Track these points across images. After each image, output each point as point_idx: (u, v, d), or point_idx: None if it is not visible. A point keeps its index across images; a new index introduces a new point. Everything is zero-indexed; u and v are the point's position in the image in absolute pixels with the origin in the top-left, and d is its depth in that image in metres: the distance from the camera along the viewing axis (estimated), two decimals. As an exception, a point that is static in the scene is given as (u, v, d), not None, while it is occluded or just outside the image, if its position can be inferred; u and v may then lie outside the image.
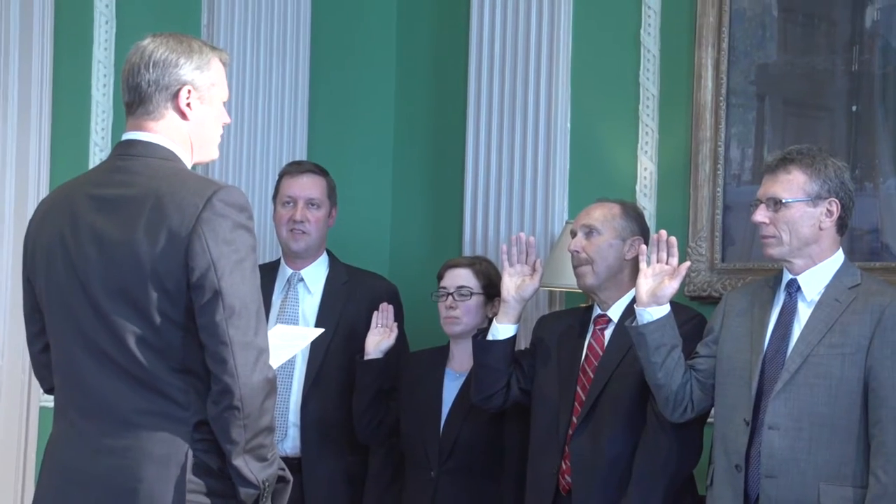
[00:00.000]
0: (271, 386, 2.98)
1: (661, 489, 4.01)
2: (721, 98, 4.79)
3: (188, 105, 3.08)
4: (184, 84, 3.08)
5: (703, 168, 4.80)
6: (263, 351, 2.97)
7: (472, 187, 5.28)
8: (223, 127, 3.20)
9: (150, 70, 3.05)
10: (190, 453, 2.94)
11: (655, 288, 3.89)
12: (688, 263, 3.95)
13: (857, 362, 3.65)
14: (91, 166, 5.09)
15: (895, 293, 3.73)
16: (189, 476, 2.93)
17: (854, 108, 4.53)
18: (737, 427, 3.76)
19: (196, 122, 3.12)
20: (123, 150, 3.09)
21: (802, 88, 4.68)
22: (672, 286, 3.88)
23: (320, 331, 4.04)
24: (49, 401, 5.01)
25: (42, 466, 3.12)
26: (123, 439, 2.94)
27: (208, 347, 2.93)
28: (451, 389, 4.59)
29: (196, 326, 2.94)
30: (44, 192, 4.93)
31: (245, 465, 2.95)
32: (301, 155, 5.56)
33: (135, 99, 3.07)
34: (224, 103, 3.18)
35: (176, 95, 3.07)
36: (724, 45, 4.78)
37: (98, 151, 5.13)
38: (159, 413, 2.94)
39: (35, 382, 4.83)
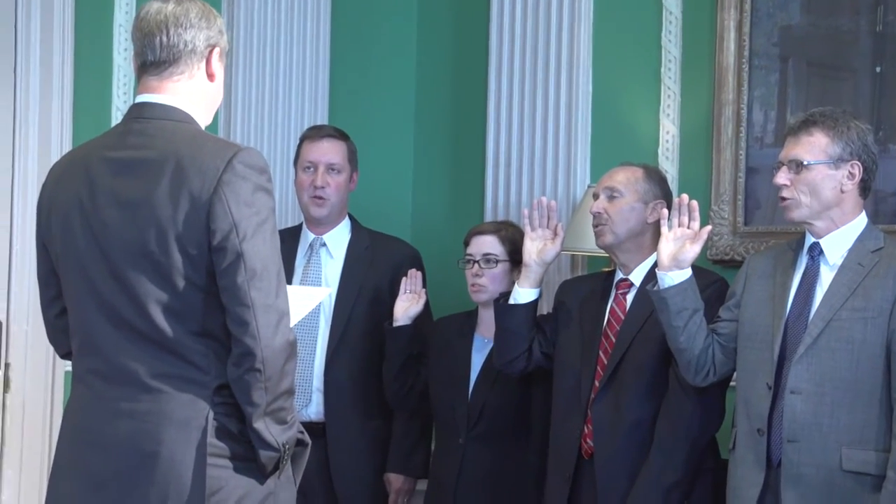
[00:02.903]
0: (292, 349, 3.00)
1: (684, 453, 4.03)
2: (744, 60, 4.78)
3: (216, 66, 3.12)
4: (215, 45, 3.11)
5: (725, 131, 4.80)
6: (285, 314, 2.98)
7: (493, 151, 5.28)
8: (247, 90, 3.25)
9: (187, 30, 3.06)
10: (210, 416, 2.95)
11: (677, 252, 3.90)
12: (709, 227, 3.97)
13: (880, 326, 3.65)
14: (113, 128, 5.19)
15: None
16: (210, 439, 2.95)
17: (878, 69, 4.51)
18: (759, 391, 3.76)
19: (218, 84, 3.16)
20: (138, 113, 3.09)
21: (826, 50, 4.67)
22: (694, 250, 3.89)
23: (329, 290, 4.03)
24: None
25: (61, 431, 3.14)
26: (144, 403, 2.95)
27: (230, 310, 2.93)
28: (479, 355, 4.62)
29: (217, 289, 2.95)
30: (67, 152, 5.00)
31: (265, 427, 2.97)
32: (322, 119, 5.56)
33: (168, 57, 3.06)
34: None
35: (208, 56, 3.10)
36: (747, 7, 4.77)
37: (120, 115, 5.07)
38: (179, 377, 2.96)
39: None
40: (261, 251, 2.94)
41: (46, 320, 3.26)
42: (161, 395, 2.95)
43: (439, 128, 5.69)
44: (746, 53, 4.77)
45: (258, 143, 5.42)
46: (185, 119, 3.07)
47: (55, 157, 4.90)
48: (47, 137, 4.99)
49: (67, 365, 4.96)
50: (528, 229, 4.36)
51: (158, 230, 2.93)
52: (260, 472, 3.02)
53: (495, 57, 5.29)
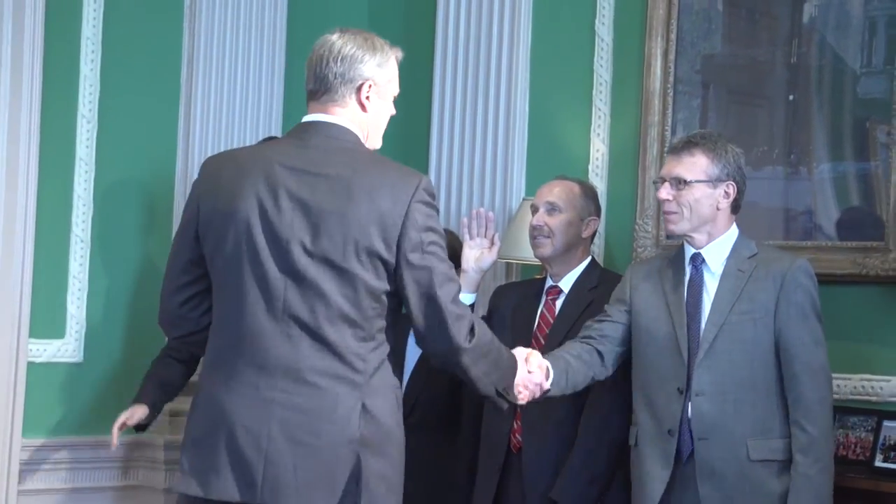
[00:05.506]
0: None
1: (604, 449, 4.19)
2: (669, 85, 4.92)
3: (367, 98, 3.25)
4: (366, 79, 3.24)
5: (651, 150, 4.92)
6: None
7: (436, 165, 5.43)
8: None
9: (338, 64, 3.22)
10: (361, 411, 3.12)
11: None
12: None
13: (767, 325, 3.84)
14: (78, 135, 5.13)
15: (792, 258, 3.92)
16: (362, 432, 3.12)
17: (791, 97, 4.64)
18: (668, 395, 3.92)
19: (373, 114, 3.29)
20: (308, 130, 3.26)
21: (744, 78, 4.81)
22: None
23: None
24: (34, 355, 5.02)
25: (196, 413, 3.23)
26: (300, 396, 3.10)
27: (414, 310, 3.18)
28: (414, 350, 4.65)
29: (389, 301, 3.17)
30: (34, 157, 4.96)
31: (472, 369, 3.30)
32: (276, 130, 5.63)
33: (320, 88, 3.24)
34: (394, 97, 3.36)
35: (359, 89, 3.24)
36: (673, 37, 4.91)
37: (85, 122, 5.17)
38: (336, 375, 3.11)
39: (24, 330, 4.91)
40: (440, 265, 3.22)
41: (168, 305, 3.34)
42: (317, 390, 3.10)
43: (386, 142, 5.43)
44: (671, 80, 4.91)
45: (216, 150, 5.36)
46: (353, 139, 3.24)
47: (23, 163, 4.90)
48: (15, 141, 4.96)
49: (31, 356, 4.99)
50: (466, 238, 4.41)
51: (348, 240, 3.10)
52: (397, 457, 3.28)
53: (439, 78, 5.44)
